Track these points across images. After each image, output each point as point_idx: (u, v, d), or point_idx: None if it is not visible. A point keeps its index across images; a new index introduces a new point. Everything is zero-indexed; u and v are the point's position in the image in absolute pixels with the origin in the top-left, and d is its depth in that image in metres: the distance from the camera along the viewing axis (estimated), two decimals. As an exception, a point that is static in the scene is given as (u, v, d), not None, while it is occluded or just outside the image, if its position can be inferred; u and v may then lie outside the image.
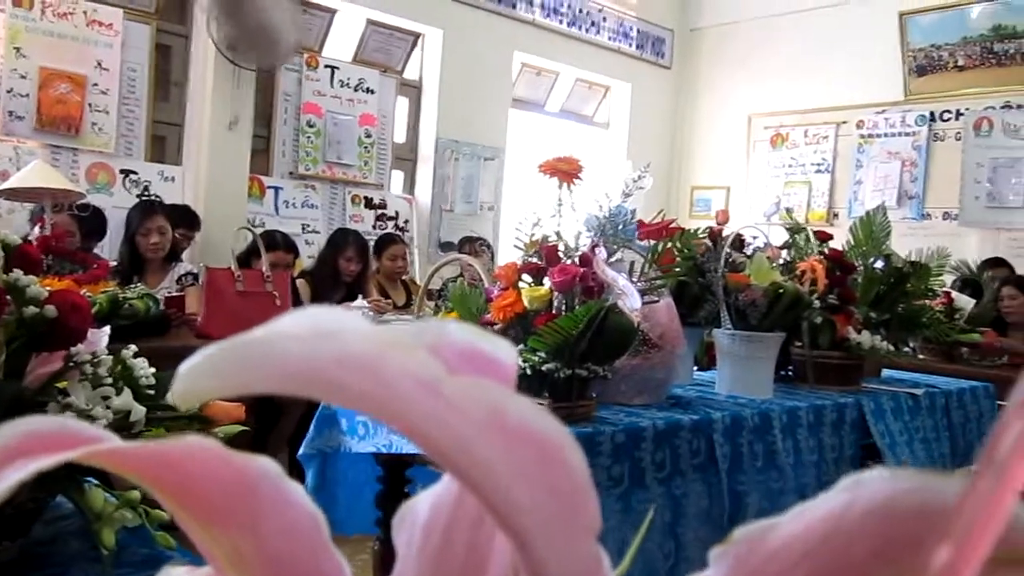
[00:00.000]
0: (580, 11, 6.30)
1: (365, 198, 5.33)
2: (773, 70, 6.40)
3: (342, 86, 5.17)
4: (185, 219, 4.12)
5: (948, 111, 5.64)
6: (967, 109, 5.54)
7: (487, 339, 0.23)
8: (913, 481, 0.16)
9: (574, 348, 1.72)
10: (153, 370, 0.92)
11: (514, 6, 5.88)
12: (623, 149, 6.75)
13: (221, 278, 3.29)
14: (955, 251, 4.94)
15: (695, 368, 2.55)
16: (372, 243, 4.56)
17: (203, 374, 0.18)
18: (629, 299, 1.73)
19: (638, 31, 6.75)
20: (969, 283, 4.47)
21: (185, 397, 0.18)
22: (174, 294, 3.52)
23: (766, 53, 6.42)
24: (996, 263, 4.84)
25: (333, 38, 5.30)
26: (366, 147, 5.28)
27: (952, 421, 2.72)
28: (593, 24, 6.41)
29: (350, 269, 4.21)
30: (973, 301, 3.65)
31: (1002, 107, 5.40)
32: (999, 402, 3.05)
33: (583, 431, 1.69)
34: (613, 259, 1.93)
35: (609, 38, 6.54)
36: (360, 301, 3.88)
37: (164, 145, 4.71)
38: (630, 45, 6.71)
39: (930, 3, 5.59)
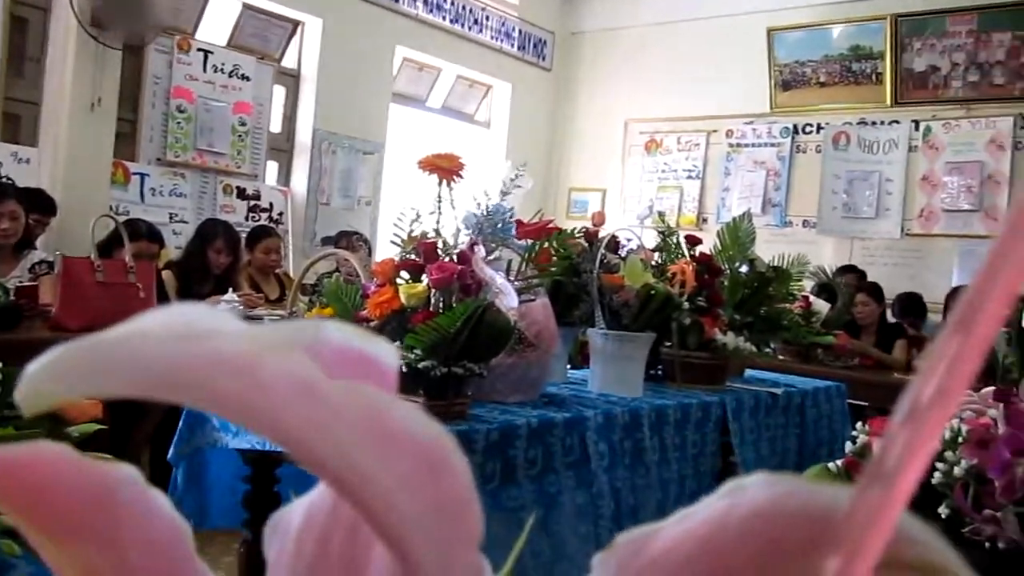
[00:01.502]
0: (463, 8, 6.30)
1: (238, 188, 5.15)
2: (650, 77, 6.58)
3: (216, 71, 4.98)
4: (39, 204, 3.87)
5: (810, 124, 5.95)
6: (827, 123, 5.85)
7: (367, 340, 0.22)
8: (792, 487, 0.17)
9: (451, 346, 1.72)
10: (1, 364, 0.86)
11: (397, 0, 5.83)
12: (503, 148, 6.79)
13: (79, 267, 3.11)
14: (813, 257, 5.21)
15: (569, 367, 2.59)
16: (244, 235, 4.42)
17: (54, 376, 0.17)
18: (506, 298, 1.74)
19: (520, 32, 6.80)
20: (825, 288, 4.72)
21: (32, 401, 0.17)
22: (26, 284, 3.30)
23: (643, 60, 6.60)
24: (849, 270, 5.14)
25: (207, 21, 5.10)
26: (240, 136, 5.10)
27: (805, 419, 2.86)
28: (476, 22, 6.42)
29: (220, 261, 4.07)
30: (828, 305, 3.85)
31: (858, 123, 5.74)
32: (849, 401, 3.24)
33: (458, 429, 1.69)
34: (491, 257, 1.94)
35: (492, 37, 6.57)
36: (230, 294, 3.75)
37: (19, 124, 4.41)
38: (512, 45, 6.76)
39: (795, 21, 5.88)
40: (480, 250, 1.83)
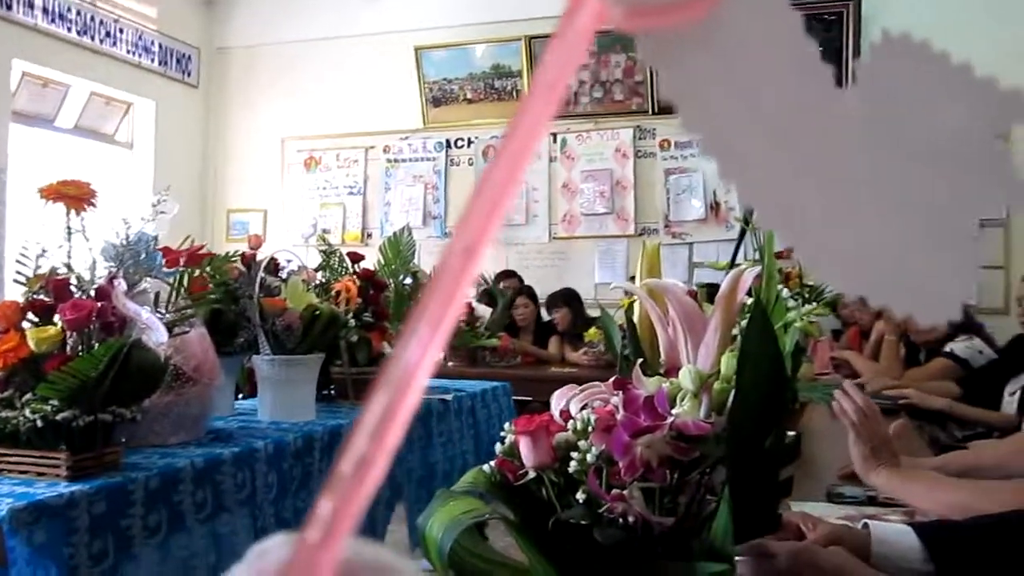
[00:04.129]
0: (92, 19, 5.78)
1: None
2: (304, 94, 6.50)
3: None
4: None
5: (461, 139, 6.24)
6: (476, 138, 6.18)
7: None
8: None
9: (94, 392, 1.56)
10: None
11: (9, 7, 5.19)
12: (150, 171, 6.32)
13: None
14: (474, 265, 5.48)
15: (242, 396, 2.48)
16: None
17: None
18: (154, 332, 1.61)
19: (161, 46, 6.38)
20: (487, 294, 4.99)
21: None
22: None
23: (296, 77, 6.51)
24: (508, 275, 5.48)
25: None
26: None
27: (477, 419, 2.99)
28: (108, 35, 5.91)
29: None
30: (490, 310, 4.07)
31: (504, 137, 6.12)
32: (514, 397, 3.45)
33: (111, 482, 1.54)
34: (136, 291, 1.79)
35: (129, 51, 6.09)
36: None
37: None
38: (152, 60, 6.32)
39: (440, 40, 6.14)
40: (121, 283, 1.68)
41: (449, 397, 2.81)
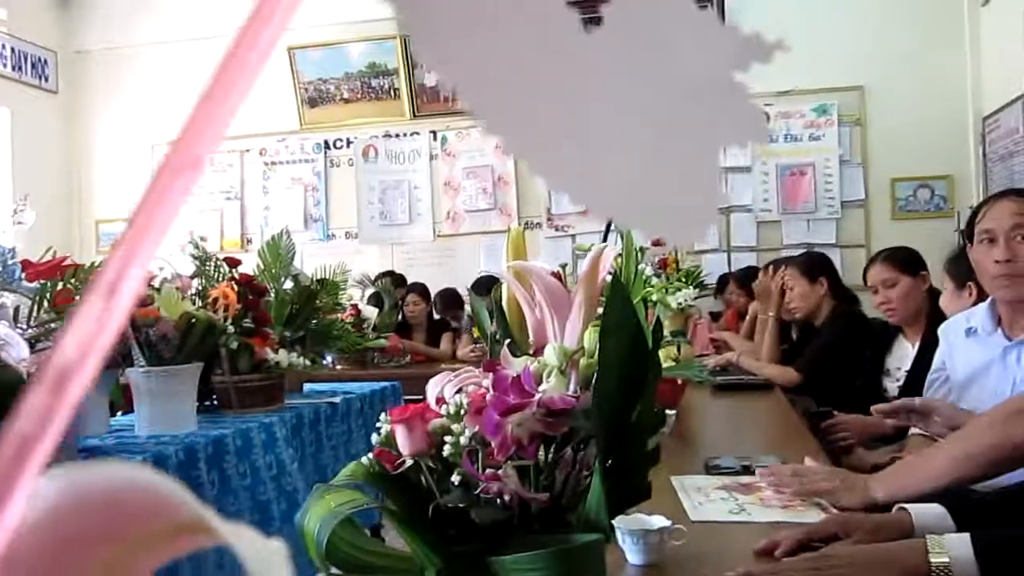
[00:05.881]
0: (-67, 24, 5.42)
1: None
2: (172, 97, 6.27)
3: None
4: None
5: (340, 139, 6.16)
6: (356, 137, 6.11)
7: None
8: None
9: (-51, 414, 1.47)
10: None
11: None
12: (7, 182, 5.98)
13: None
14: (359, 266, 5.43)
15: (121, 413, 2.38)
16: None
17: None
18: (13, 349, 1.53)
19: (13, 50, 6.04)
20: (375, 295, 4.94)
21: None
22: None
23: (164, 80, 6.27)
24: (391, 274, 5.46)
25: None
26: None
27: (368, 421, 2.97)
28: (-47, 40, 5.56)
29: None
30: (377, 310, 4.04)
31: (384, 136, 6.08)
32: (405, 397, 3.43)
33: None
34: (-8, 306, 1.69)
35: (-24, 57, 5.74)
36: None
37: None
38: (4, 65, 5.97)
39: (315, 40, 6.03)
40: (-25, 299, 1.59)
41: (337, 400, 2.77)
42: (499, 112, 0.21)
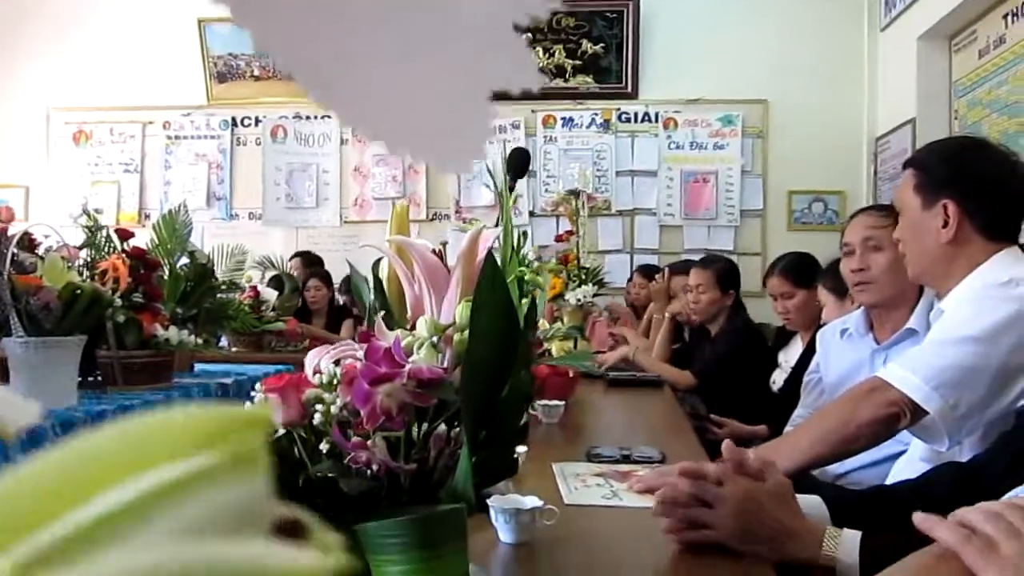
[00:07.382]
0: None
1: None
2: (73, 61, 6.01)
3: None
4: None
5: (248, 117, 6.02)
6: (265, 116, 5.98)
7: None
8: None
9: None
10: None
11: None
12: None
13: None
14: (262, 248, 5.33)
15: (-8, 385, 2.28)
16: None
17: None
18: None
19: (-102, 1, 5.69)
20: (275, 278, 4.86)
21: None
22: None
23: (64, 42, 6.00)
24: (307, 254, 5.40)
25: None
26: None
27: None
28: None
29: None
30: (276, 293, 3.97)
31: (294, 117, 5.98)
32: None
33: None
34: None
35: None
36: None
37: None
38: None
39: (226, 13, 5.86)
40: None
41: (229, 381, 2.73)
42: (320, 76, 0.22)
